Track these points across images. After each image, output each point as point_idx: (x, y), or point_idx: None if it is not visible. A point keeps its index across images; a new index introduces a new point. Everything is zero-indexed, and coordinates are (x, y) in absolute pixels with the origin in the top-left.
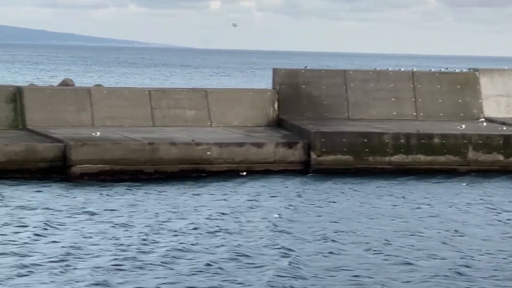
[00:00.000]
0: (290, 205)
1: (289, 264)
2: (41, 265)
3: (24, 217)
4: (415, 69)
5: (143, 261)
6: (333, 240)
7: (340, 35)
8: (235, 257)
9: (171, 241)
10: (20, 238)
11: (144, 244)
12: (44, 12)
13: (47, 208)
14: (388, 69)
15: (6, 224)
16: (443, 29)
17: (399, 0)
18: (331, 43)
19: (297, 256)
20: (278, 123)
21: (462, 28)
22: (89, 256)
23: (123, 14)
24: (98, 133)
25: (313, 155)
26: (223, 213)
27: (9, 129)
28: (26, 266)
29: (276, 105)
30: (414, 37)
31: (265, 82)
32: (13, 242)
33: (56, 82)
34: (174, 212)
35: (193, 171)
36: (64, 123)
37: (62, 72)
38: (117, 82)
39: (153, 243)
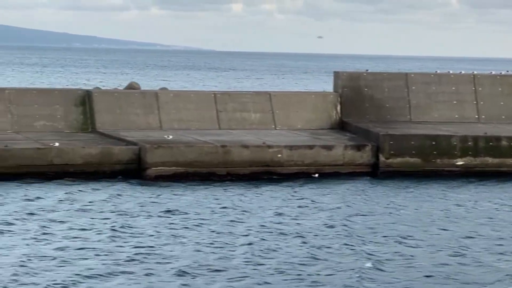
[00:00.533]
0: (362, 207)
1: (372, 267)
2: (121, 266)
3: (104, 219)
4: (475, 72)
5: (223, 261)
6: (406, 243)
7: (362, 37)
8: (312, 259)
9: (250, 242)
10: (99, 241)
11: (221, 247)
12: (66, 14)
13: (124, 211)
14: (449, 72)
15: (85, 227)
16: (465, 30)
17: (421, 2)
18: (354, 45)
19: (376, 258)
20: (341, 126)
21: (484, 30)
22: (166, 257)
23: (145, 16)
24: (171, 136)
25: (382, 158)
26: (295, 215)
27: (78, 132)
28: (105, 269)
29: (338, 108)
30: (436, 39)
31: (302, 84)
32: (91, 245)
33: (91, 85)
34: (248, 213)
35: (264, 173)
36: (133, 126)
37: (95, 75)
38: (156, 85)
39: (230, 244)
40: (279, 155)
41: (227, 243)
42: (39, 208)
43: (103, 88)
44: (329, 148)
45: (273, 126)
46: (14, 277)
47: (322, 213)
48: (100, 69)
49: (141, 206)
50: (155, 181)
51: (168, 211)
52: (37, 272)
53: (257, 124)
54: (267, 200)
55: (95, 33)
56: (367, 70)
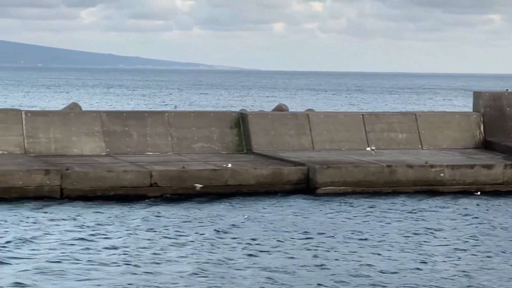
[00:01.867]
0: None
1: None
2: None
3: (285, 234)
4: None
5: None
6: None
7: (405, 55)
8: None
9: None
10: (276, 257)
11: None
12: (110, 36)
13: (306, 229)
14: None
15: (260, 241)
16: (509, 48)
17: (464, 20)
18: (397, 63)
19: None
20: (484, 145)
21: None
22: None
23: (187, 36)
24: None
25: None
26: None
27: (235, 153)
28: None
29: (482, 127)
30: (480, 56)
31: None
32: (272, 260)
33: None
34: (429, 230)
35: (427, 192)
36: (287, 147)
37: (158, 98)
38: (231, 106)
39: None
40: (442, 174)
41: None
42: (232, 225)
43: (248, 110)
44: (489, 167)
45: (420, 146)
46: None
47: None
48: (163, 90)
49: (321, 224)
50: (324, 202)
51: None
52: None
53: (404, 144)
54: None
55: (139, 53)
56: (507, 90)
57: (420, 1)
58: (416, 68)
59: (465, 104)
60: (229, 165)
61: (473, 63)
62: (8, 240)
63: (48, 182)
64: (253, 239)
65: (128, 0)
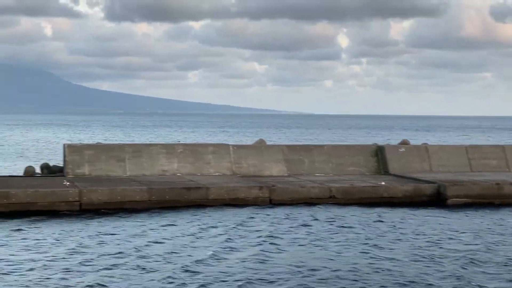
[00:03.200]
0: None
1: None
2: None
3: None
4: None
5: None
6: None
7: (422, 102)
8: None
9: None
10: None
11: None
12: (208, 90)
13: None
14: None
15: (422, 231)
16: (498, 97)
17: (465, 77)
18: (416, 108)
19: None
20: None
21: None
22: None
23: (263, 90)
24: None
25: None
26: None
27: (375, 175)
28: None
29: None
30: (478, 103)
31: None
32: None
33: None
34: None
35: None
36: (413, 170)
37: (261, 134)
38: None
39: None
40: None
41: None
42: (396, 221)
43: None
44: None
45: (507, 169)
46: None
47: None
48: (258, 129)
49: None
50: (453, 209)
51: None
52: None
53: (495, 167)
54: None
55: (229, 102)
56: None
57: (433, 63)
58: (429, 112)
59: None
60: (383, 183)
61: (472, 108)
62: (258, 230)
63: (261, 194)
64: (416, 232)
65: (221, 66)
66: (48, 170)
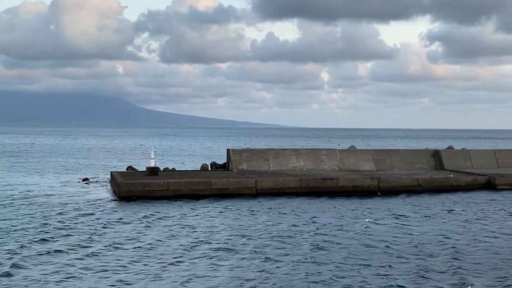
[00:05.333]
0: None
1: None
2: None
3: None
4: None
5: None
6: None
7: (381, 119)
8: None
9: None
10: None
11: None
12: (233, 111)
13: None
14: None
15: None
16: (435, 118)
17: (410, 101)
18: (377, 123)
19: None
20: None
21: (445, 116)
22: None
23: (271, 111)
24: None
25: None
26: None
27: (435, 170)
28: None
29: None
30: (419, 119)
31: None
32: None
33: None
34: None
35: None
36: (461, 167)
37: (268, 142)
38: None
39: None
40: None
41: None
42: (464, 202)
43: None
44: None
45: None
46: None
47: None
48: (279, 138)
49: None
50: (502, 193)
51: None
52: None
53: None
54: None
55: (247, 119)
56: None
57: (388, 92)
58: (385, 126)
59: None
60: (451, 175)
61: (417, 122)
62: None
63: (371, 183)
64: (481, 210)
65: (241, 94)
66: (215, 166)
